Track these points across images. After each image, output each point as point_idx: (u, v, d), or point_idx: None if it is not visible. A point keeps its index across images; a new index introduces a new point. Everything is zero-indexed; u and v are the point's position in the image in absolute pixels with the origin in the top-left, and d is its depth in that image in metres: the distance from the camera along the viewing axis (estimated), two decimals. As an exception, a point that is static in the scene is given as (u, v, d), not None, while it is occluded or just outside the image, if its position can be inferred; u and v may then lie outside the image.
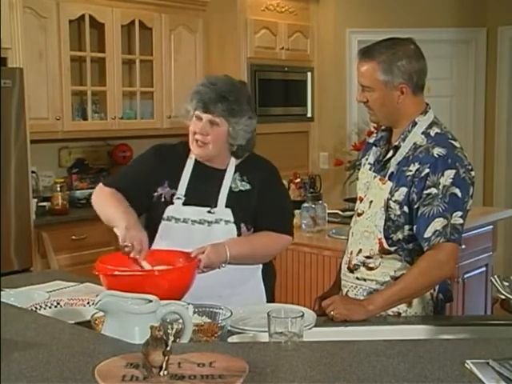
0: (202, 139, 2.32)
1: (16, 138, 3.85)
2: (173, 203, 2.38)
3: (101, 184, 2.47)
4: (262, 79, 5.18)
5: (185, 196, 2.37)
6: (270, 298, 2.46)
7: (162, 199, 2.39)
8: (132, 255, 2.14)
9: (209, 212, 2.35)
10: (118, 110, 4.71)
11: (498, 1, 5.56)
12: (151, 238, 2.39)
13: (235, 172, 2.40)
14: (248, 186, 2.39)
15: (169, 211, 2.38)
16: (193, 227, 2.35)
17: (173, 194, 2.38)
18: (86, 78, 4.59)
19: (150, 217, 2.44)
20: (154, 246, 2.37)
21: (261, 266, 2.43)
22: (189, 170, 2.41)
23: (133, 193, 2.37)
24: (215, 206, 2.35)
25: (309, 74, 5.55)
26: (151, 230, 2.39)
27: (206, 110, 2.29)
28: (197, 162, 2.41)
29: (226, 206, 2.35)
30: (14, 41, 3.87)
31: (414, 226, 2.08)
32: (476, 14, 5.62)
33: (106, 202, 2.34)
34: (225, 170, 2.40)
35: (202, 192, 2.37)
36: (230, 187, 2.38)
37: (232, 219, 2.34)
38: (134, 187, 2.40)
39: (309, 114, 5.62)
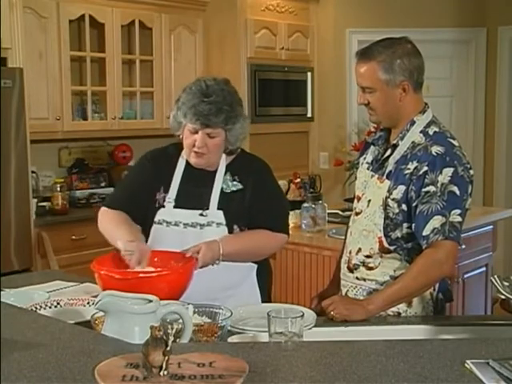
0: (201, 151, 2.30)
1: (16, 138, 3.85)
2: (164, 206, 2.37)
3: (103, 208, 2.44)
4: (262, 79, 5.18)
5: (176, 199, 2.36)
6: (266, 298, 2.45)
7: (156, 204, 2.39)
8: (131, 264, 2.11)
9: (200, 215, 2.33)
10: (118, 110, 4.71)
11: (498, 1, 5.56)
12: (146, 242, 2.39)
13: (226, 172, 2.38)
14: (240, 186, 2.37)
15: (160, 214, 2.37)
16: (185, 230, 2.33)
17: (165, 197, 2.37)
18: (86, 78, 4.59)
19: (144, 221, 2.41)
20: None
21: (255, 266, 2.42)
22: (180, 173, 2.40)
23: (137, 207, 2.37)
24: (207, 209, 2.33)
25: (309, 74, 5.55)
26: (146, 234, 2.38)
27: (205, 125, 2.26)
28: (188, 164, 2.39)
29: (218, 208, 2.33)
30: (14, 41, 3.87)
31: (413, 224, 2.08)
32: (476, 14, 5.62)
33: (110, 224, 2.35)
34: (215, 171, 2.38)
35: (194, 194, 2.36)
36: (222, 188, 2.36)
37: (224, 221, 2.33)
38: (136, 201, 2.39)
39: (309, 114, 5.62)
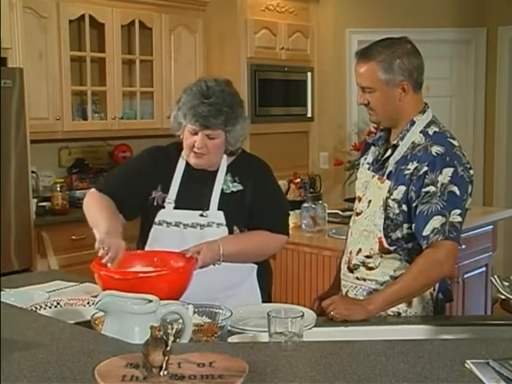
0: (201, 152, 2.30)
1: (16, 138, 3.85)
2: (164, 207, 2.36)
3: (93, 189, 2.43)
4: (262, 79, 5.18)
5: (176, 199, 2.36)
6: (266, 298, 2.45)
7: (155, 203, 2.38)
8: (104, 261, 2.08)
9: (201, 215, 2.33)
10: (118, 110, 4.71)
11: (498, 1, 5.55)
12: (145, 243, 2.39)
13: (226, 173, 2.38)
14: (240, 187, 2.37)
15: (160, 215, 2.36)
16: (185, 231, 2.33)
17: (165, 198, 2.37)
18: (86, 78, 4.59)
19: (144, 221, 2.42)
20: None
21: (256, 266, 2.42)
22: (180, 173, 2.39)
23: (126, 197, 2.36)
24: (207, 209, 2.33)
25: (309, 74, 5.55)
26: (146, 235, 2.39)
27: (204, 126, 2.26)
28: (188, 164, 2.39)
29: (219, 209, 2.33)
30: (14, 41, 3.87)
31: (413, 225, 2.09)
32: (476, 14, 5.62)
33: (94, 207, 2.32)
34: (216, 172, 2.37)
35: (194, 195, 2.35)
36: (222, 189, 2.36)
37: (224, 222, 2.32)
38: (128, 191, 2.38)
39: (309, 114, 5.62)
